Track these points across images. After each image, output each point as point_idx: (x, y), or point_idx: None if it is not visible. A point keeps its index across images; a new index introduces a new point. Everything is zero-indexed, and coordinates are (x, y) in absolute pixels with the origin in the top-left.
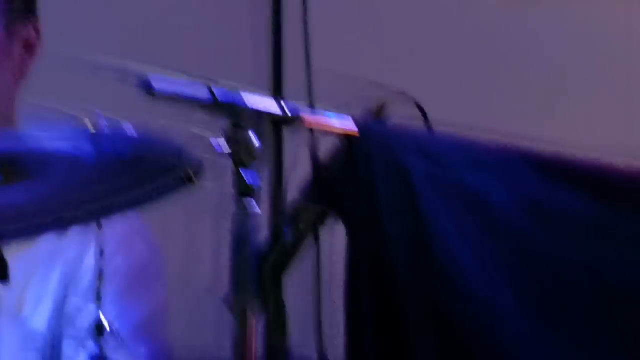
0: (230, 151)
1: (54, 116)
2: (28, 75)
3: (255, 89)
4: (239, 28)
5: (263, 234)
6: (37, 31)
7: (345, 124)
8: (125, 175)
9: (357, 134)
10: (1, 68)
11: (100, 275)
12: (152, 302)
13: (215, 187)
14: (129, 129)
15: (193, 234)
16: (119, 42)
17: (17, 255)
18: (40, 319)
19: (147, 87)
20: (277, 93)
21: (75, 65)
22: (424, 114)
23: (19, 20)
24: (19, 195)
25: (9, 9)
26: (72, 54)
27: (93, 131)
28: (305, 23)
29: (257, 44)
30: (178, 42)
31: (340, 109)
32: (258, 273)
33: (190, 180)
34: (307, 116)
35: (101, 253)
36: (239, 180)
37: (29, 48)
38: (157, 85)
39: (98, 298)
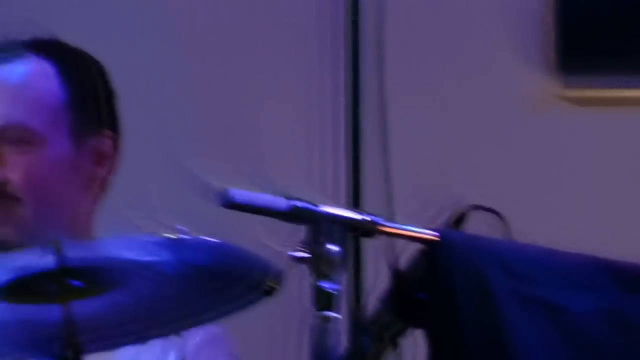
0: (309, 262)
1: (136, 227)
2: (103, 186)
3: (334, 201)
4: (319, 142)
5: (343, 343)
6: (112, 143)
7: (424, 234)
8: (205, 286)
9: (437, 244)
10: (69, 180)
11: None
12: None
13: (294, 297)
14: (210, 240)
15: (273, 344)
16: (202, 153)
17: None
18: None
19: (227, 199)
20: (356, 204)
21: (157, 177)
22: (504, 225)
23: (88, 132)
24: (100, 307)
25: (76, 122)
26: (155, 163)
27: (174, 242)
28: (384, 135)
29: (335, 157)
30: (258, 157)
31: (419, 219)
32: None
33: (270, 291)
34: (386, 226)
35: None
36: (318, 291)
37: (101, 160)
38: (236, 196)
39: None
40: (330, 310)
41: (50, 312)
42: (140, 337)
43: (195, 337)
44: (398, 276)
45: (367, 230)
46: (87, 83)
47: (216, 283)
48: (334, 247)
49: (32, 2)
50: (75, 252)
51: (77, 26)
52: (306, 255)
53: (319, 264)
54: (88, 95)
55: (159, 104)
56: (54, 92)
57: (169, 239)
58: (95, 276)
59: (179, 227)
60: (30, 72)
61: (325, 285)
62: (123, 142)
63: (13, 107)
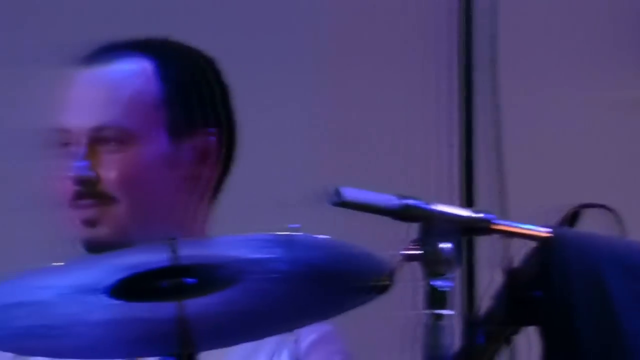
0: (421, 260)
1: (248, 225)
2: (212, 185)
3: (448, 199)
4: (433, 140)
5: (456, 341)
6: (217, 140)
7: (538, 232)
8: (317, 284)
9: (551, 241)
10: (166, 179)
11: None
12: None
13: (407, 296)
14: (322, 238)
15: (385, 342)
16: (316, 152)
17: None
18: None
19: (338, 197)
20: (469, 202)
21: (269, 175)
22: (618, 222)
23: (188, 130)
24: (213, 304)
25: (174, 120)
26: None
27: (287, 239)
28: (497, 134)
29: (449, 155)
30: (373, 155)
31: (532, 217)
32: None
33: (382, 289)
34: (499, 224)
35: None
36: (431, 289)
37: (204, 158)
38: (348, 194)
39: None
40: (443, 309)
41: (164, 310)
42: (253, 335)
43: (307, 335)
44: (511, 274)
45: (481, 228)
46: (190, 80)
47: (328, 281)
48: (446, 245)
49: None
50: (188, 250)
51: (198, 26)
52: (418, 253)
53: (432, 262)
54: (190, 93)
55: (274, 103)
56: (151, 91)
57: (282, 236)
58: (209, 274)
59: (291, 225)
60: (128, 71)
61: (438, 283)
62: (234, 139)
63: (108, 106)
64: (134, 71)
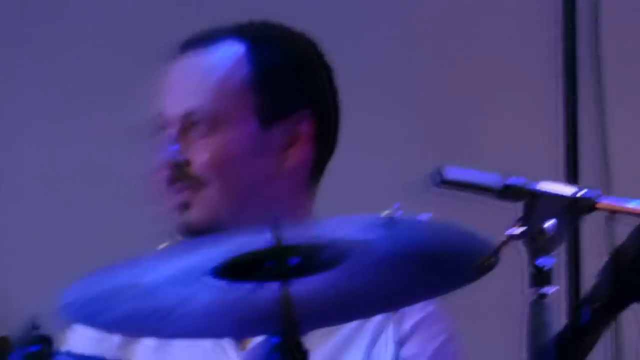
0: (525, 239)
1: (350, 207)
2: (304, 166)
3: (552, 177)
4: (537, 118)
5: (561, 319)
6: (311, 123)
7: None
8: (421, 264)
9: None
10: (257, 162)
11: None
12: None
13: (511, 274)
14: (425, 218)
15: (490, 322)
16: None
17: (319, 343)
18: None
19: (441, 177)
20: (574, 180)
21: (372, 157)
22: None
23: (279, 113)
24: (317, 285)
25: (265, 103)
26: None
27: (390, 221)
28: (601, 111)
29: (554, 133)
30: (477, 135)
31: (637, 194)
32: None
33: (486, 268)
34: (604, 201)
35: (397, 339)
36: (535, 268)
37: (293, 141)
38: (450, 174)
39: None
40: (548, 287)
41: (268, 290)
42: (356, 315)
43: (412, 314)
44: (617, 251)
45: (585, 205)
46: (282, 63)
47: (431, 261)
48: (550, 224)
49: None
50: (292, 232)
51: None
52: (522, 231)
53: (536, 241)
54: (281, 76)
55: (375, 86)
56: (240, 75)
57: (385, 218)
58: (312, 255)
59: (394, 205)
60: (219, 56)
61: (542, 261)
62: (333, 120)
63: (198, 92)
64: (225, 56)
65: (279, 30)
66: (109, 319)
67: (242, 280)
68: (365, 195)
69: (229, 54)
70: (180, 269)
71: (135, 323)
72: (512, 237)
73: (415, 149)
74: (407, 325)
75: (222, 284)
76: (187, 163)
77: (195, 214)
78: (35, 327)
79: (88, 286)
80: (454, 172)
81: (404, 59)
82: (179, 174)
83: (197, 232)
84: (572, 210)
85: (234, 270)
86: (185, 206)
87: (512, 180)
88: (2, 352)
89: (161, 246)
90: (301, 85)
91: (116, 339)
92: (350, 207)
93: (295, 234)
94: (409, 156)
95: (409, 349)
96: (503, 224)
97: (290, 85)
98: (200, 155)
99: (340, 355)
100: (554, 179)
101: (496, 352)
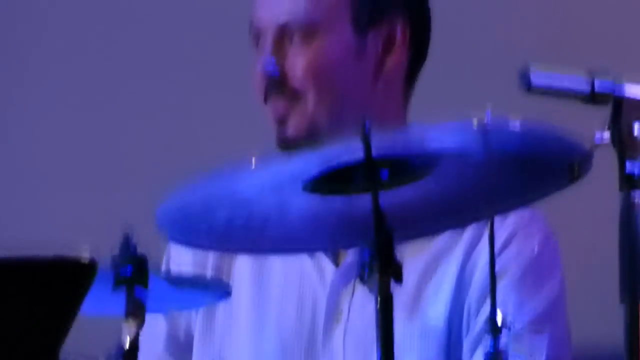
0: (613, 143)
1: (442, 114)
2: (398, 72)
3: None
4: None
5: None
6: (404, 29)
7: None
8: (513, 171)
9: None
10: (354, 70)
11: (493, 269)
12: (547, 291)
13: (601, 180)
14: (515, 125)
15: (582, 225)
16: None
17: (412, 255)
18: (437, 315)
19: (528, 81)
20: None
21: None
22: None
23: (374, 20)
24: (409, 196)
25: (359, 10)
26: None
27: (481, 128)
28: None
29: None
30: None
31: None
32: None
33: (577, 174)
34: None
35: (493, 246)
36: (623, 172)
37: (389, 47)
38: (537, 78)
39: (492, 292)
40: (636, 190)
41: (359, 202)
42: (449, 224)
43: (507, 221)
44: None
45: None
46: None
47: (524, 166)
48: (638, 126)
49: None
50: (382, 142)
51: None
52: (612, 136)
53: (625, 145)
54: None
55: None
56: None
57: (476, 124)
58: (403, 166)
59: (486, 111)
60: None
61: (632, 166)
62: (426, 25)
63: (292, 1)
64: None
65: None
66: (205, 234)
67: (333, 192)
68: (456, 98)
69: None
70: (273, 181)
71: (229, 237)
72: (602, 141)
73: (501, 50)
74: (504, 232)
75: (314, 196)
76: (283, 74)
77: (293, 127)
78: (129, 245)
79: (183, 197)
80: (540, 77)
81: None
82: (275, 86)
83: (295, 145)
84: None
85: (325, 182)
86: (282, 120)
87: (599, 84)
88: (90, 275)
89: (254, 158)
90: None
91: (211, 256)
92: (441, 111)
93: (386, 144)
94: (502, 58)
95: (506, 255)
96: (595, 126)
97: None
98: (297, 65)
99: (435, 266)
100: None
101: (589, 258)
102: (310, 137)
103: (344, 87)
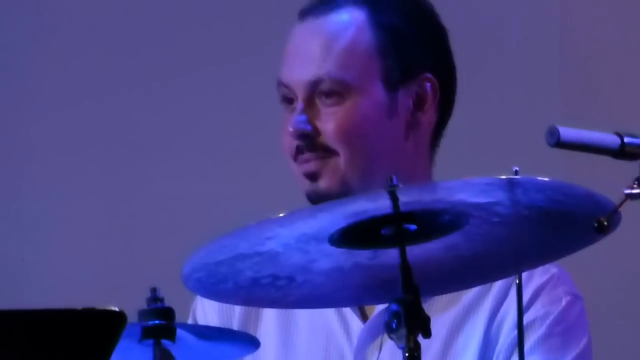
0: None
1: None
2: (428, 129)
3: None
4: None
5: None
6: (433, 85)
7: None
8: (541, 226)
9: None
10: (385, 128)
11: (520, 324)
12: (574, 351)
13: (631, 233)
14: (544, 180)
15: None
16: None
17: (441, 310)
18: None
19: (556, 137)
20: None
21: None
22: None
23: (404, 77)
24: (437, 251)
25: (390, 68)
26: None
27: (509, 182)
28: None
29: None
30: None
31: None
32: None
33: (606, 228)
34: None
35: (521, 305)
36: None
37: (421, 103)
38: (565, 134)
39: (520, 347)
40: None
41: (386, 256)
42: (477, 279)
43: (535, 277)
44: None
45: None
46: (403, 26)
47: (551, 222)
48: None
49: None
50: (410, 196)
51: None
52: None
53: None
54: (403, 39)
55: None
56: (365, 40)
57: (503, 179)
58: (430, 220)
59: (513, 167)
60: (341, 22)
61: None
62: (453, 82)
63: (324, 59)
64: (347, 21)
65: None
66: (231, 288)
67: (360, 246)
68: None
69: (350, 19)
70: (300, 235)
71: (256, 291)
72: (631, 197)
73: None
74: (530, 289)
75: (341, 251)
76: (315, 133)
77: (324, 184)
78: (156, 299)
79: (210, 255)
80: (568, 133)
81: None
82: (307, 144)
83: (325, 200)
84: None
85: (352, 236)
86: (314, 176)
87: (629, 139)
88: (120, 324)
89: (281, 213)
90: (423, 46)
91: (238, 310)
92: (468, 169)
93: (413, 199)
94: (526, 117)
95: (533, 313)
96: (621, 182)
97: (413, 48)
98: (329, 124)
99: (463, 322)
100: None
101: (619, 312)
102: (342, 193)
103: (376, 145)
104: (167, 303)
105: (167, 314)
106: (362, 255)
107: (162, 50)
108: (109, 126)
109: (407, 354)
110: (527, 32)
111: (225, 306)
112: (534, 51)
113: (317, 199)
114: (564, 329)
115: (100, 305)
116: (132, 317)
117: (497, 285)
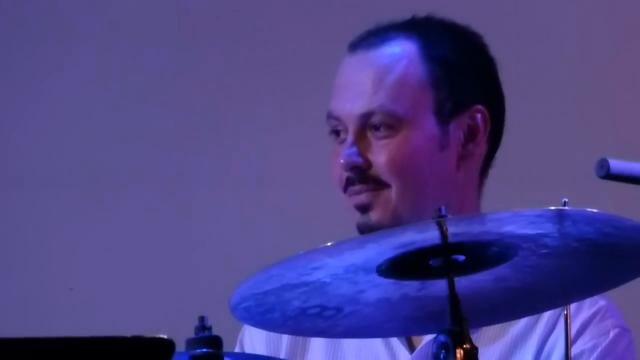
0: None
1: (518, 200)
2: (482, 162)
3: None
4: None
5: None
6: (484, 117)
7: None
8: (590, 258)
9: None
10: (437, 160)
11: (568, 356)
12: None
13: None
14: (594, 212)
15: None
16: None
17: (489, 342)
18: None
19: (605, 169)
20: None
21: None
22: None
23: (455, 109)
24: (485, 282)
25: (441, 100)
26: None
27: (558, 214)
28: None
29: None
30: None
31: None
32: None
33: None
34: None
35: (569, 337)
36: None
37: (473, 136)
38: (614, 167)
39: None
40: None
41: (434, 287)
42: (525, 311)
43: (583, 309)
44: None
45: None
46: (454, 58)
47: (600, 254)
48: None
49: None
50: (458, 228)
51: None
52: None
53: None
54: (454, 71)
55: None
56: (416, 73)
57: (552, 211)
58: (479, 251)
59: (562, 199)
60: (392, 54)
61: None
62: (503, 113)
63: (375, 92)
64: (399, 54)
65: (446, 24)
66: (279, 318)
67: (408, 277)
68: (529, 188)
69: (401, 52)
70: (349, 266)
71: (304, 321)
72: None
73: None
74: (578, 321)
75: (389, 281)
76: (366, 165)
77: (376, 216)
78: (204, 328)
79: (258, 284)
80: (618, 165)
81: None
82: (358, 176)
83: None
84: None
85: (400, 267)
86: (365, 208)
87: None
88: (168, 352)
89: (329, 243)
90: (474, 78)
91: (285, 339)
92: (516, 201)
93: (462, 230)
94: (575, 148)
95: (581, 345)
96: None
97: (464, 80)
98: (381, 157)
99: (512, 354)
100: None
101: None
102: (393, 226)
103: (428, 178)
104: (214, 332)
105: (215, 342)
106: (411, 286)
107: (217, 83)
108: (158, 156)
109: None
110: (578, 62)
111: (273, 335)
112: (584, 81)
113: (368, 231)
114: None
115: (149, 333)
116: (180, 346)
117: (545, 317)
